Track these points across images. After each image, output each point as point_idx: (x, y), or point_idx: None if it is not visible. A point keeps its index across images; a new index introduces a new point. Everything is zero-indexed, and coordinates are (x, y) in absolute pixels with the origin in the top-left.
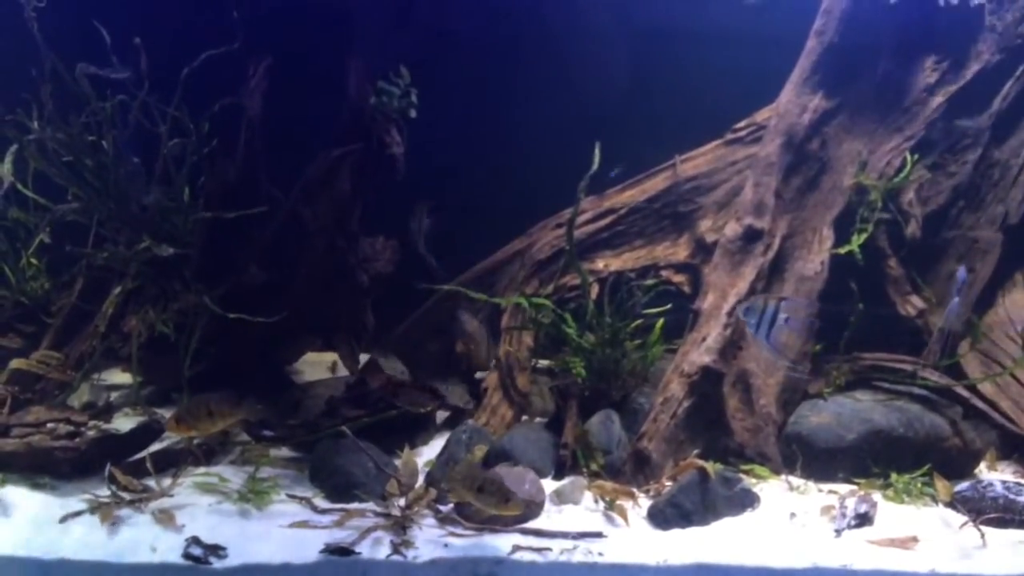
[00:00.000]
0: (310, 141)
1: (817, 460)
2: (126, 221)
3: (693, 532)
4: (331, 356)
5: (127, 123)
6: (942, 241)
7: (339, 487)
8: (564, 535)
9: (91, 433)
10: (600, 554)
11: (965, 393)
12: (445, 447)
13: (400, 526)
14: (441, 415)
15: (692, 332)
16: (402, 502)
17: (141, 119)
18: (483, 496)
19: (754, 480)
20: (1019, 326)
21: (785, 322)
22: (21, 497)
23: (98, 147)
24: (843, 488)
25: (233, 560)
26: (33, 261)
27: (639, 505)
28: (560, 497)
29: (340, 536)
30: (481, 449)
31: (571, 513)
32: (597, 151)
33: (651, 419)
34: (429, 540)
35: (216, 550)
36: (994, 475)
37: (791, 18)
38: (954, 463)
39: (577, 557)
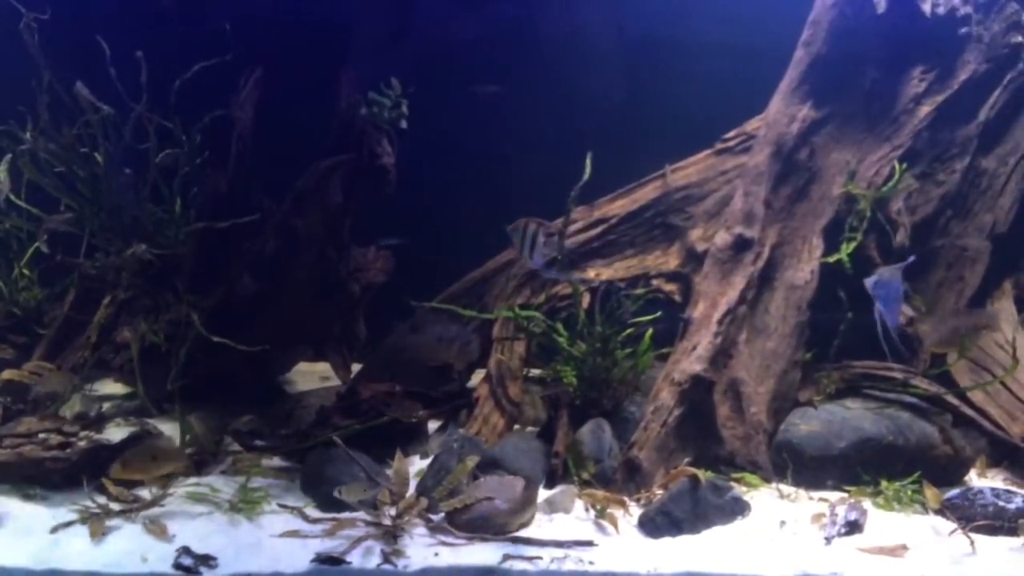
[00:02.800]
0: (302, 152)
1: (807, 468)
2: (118, 232)
3: (684, 540)
4: (323, 366)
5: (121, 135)
6: (931, 250)
7: (330, 497)
8: (555, 544)
9: (82, 444)
10: (591, 563)
11: (955, 401)
12: (436, 456)
13: (391, 535)
14: (432, 425)
15: (683, 341)
16: (393, 511)
17: (129, 135)
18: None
19: (745, 488)
20: (1008, 334)
21: (544, 242)
22: (11, 507)
23: (90, 158)
24: (833, 496)
25: (224, 570)
26: (26, 272)
27: (630, 514)
28: (551, 506)
29: (331, 545)
30: (472, 459)
31: (562, 522)
32: (588, 161)
33: (642, 428)
34: (420, 549)
35: (207, 560)
36: (984, 482)
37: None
38: (944, 471)
39: (568, 566)
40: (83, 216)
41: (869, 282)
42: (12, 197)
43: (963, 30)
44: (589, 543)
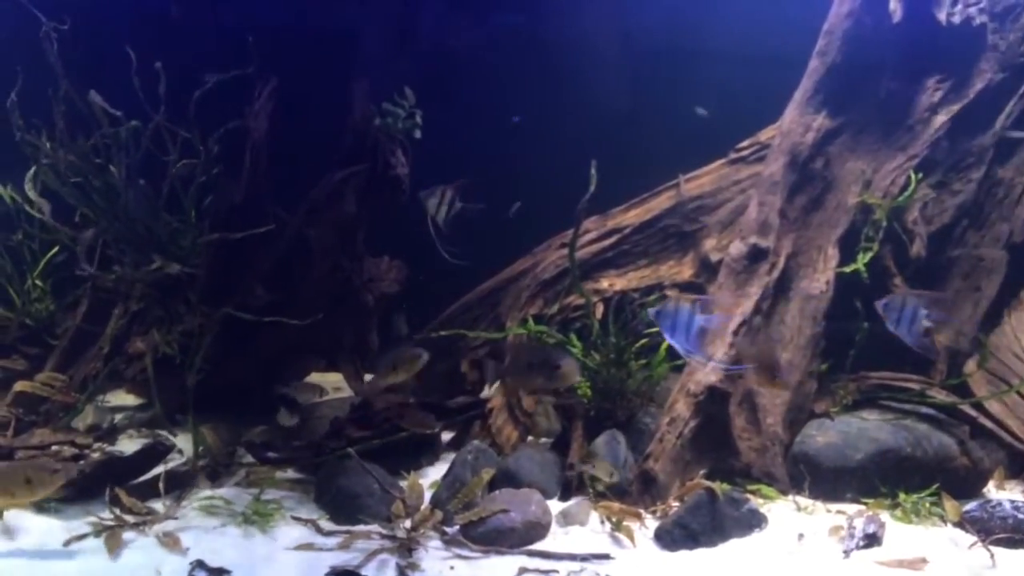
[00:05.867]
0: (316, 162)
1: (824, 480)
2: (132, 242)
3: (701, 553)
4: (335, 376)
5: (139, 145)
6: (947, 260)
7: (345, 508)
8: (571, 557)
9: (95, 456)
10: None
11: (972, 412)
12: (450, 468)
13: (406, 548)
14: (446, 436)
15: None
16: (408, 524)
17: (144, 146)
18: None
19: (761, 500)
20: None
21: (460, 209)
22: (26, 520)
23: (106, 169)
24: (851, 508)
25: None
26: (38, 283)
27: (646, 526)
28: (566, 518)
29: (345, 558)
30: (488, 472)
31: (578, 534)
32: (593, 171)
33: (657, 439)
34: (435, 562)
35: (221, 573)
36: (1003, 495)
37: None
38: (962, 483)
39: None
40: (99, 226)
41: (651, 311)
42: (29, 209)
43: (978, 39)
44: (606, 556)
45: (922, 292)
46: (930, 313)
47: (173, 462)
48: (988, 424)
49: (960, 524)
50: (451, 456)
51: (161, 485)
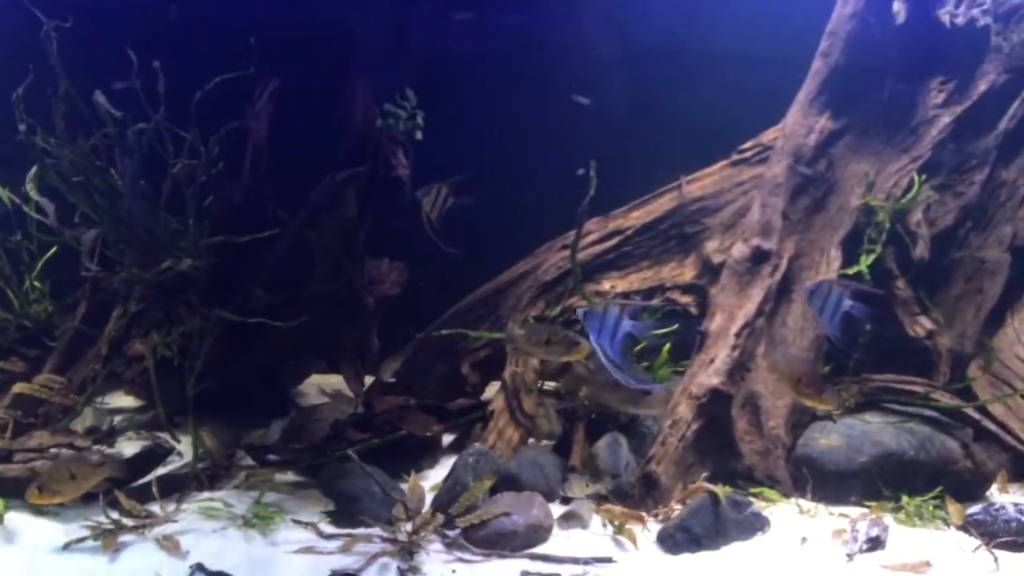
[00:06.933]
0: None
1: (827, 483)
2: (132, 243)
3: (703, 556)
4: (336, 378)
5: (140, 146)
6: (950, 262)
7: (345, 511)
8: (573, 560)
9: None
10: None
11: (976, 415)
12: (451, 471)
13: (407, 551)
14: (447, 439)
15: (700, 354)
16: (409, 527)
17: (145, 146)
18: (552, 348)
19: (764, 503)
20: None
21: (452, 204)
22: (24, 523)
23: (106, 170)
24: (854, 511)
25: None
26: (36, 284)
27: (648, 529)
28: (568, 521)
29: (346, 562)
30: (491, 478)
31: (579, 538)
32: (593, 172)
33: (659, 442)
34: (436, 566)
35: None
36: (1006, 498)
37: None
38: (965, 486)
39: None
40: (100, 227)
41: (580, 311)
42: (27, 209)
43: (982, 41)
44: (608, 559)
45: (851, 283)
46: (854, 304)
47: (173, 464)
48: (991, 427)
49: (964, 527)
50: (452, 459)
51: (154, 488)
